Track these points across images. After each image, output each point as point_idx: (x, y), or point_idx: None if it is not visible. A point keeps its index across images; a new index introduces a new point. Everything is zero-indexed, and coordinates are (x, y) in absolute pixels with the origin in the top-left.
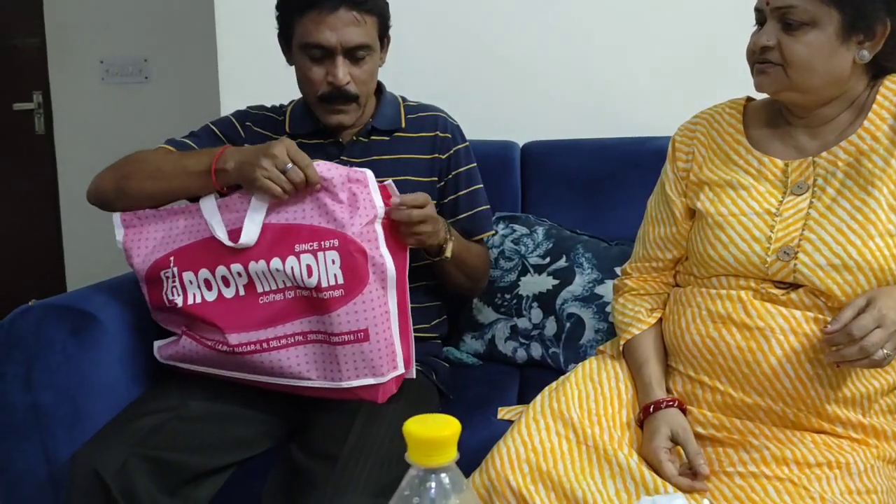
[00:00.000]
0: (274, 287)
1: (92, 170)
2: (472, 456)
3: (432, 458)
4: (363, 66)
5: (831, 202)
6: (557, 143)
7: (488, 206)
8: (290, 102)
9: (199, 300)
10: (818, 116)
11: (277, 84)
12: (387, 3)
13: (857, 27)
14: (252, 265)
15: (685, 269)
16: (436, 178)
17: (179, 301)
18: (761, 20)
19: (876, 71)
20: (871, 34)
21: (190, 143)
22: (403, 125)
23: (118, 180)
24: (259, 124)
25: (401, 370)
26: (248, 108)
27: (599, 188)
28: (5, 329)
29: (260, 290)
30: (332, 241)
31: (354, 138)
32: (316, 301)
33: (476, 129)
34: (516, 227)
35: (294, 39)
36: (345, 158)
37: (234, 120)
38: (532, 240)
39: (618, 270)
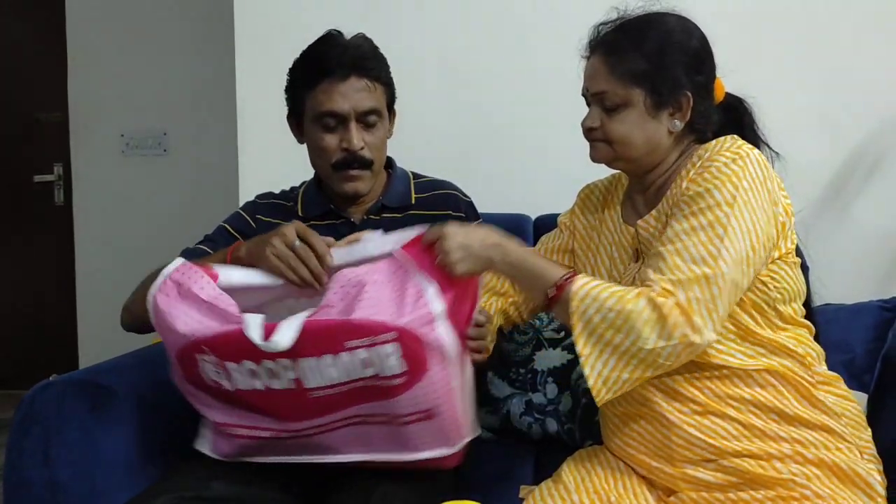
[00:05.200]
0: (326, 382)
1: (109, 241)
2: None
3: None
4: (375, 132)
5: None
6: None
7: None
8: (302, 184)
9: (247, 388)
10: (643, 183)
11: (297, 158)
12: (391, 77)
13: (663, 102)
14: (301, 361)
15: None
16: None
17: (227, 384)
18: (588, 104)
19: (697, 136)
20: (678, 106)
21: (205, 248)
22: (414, 202)
23: (146, 299)
24: (269, 213)
25: (468, 437)
26: (257, 197)
27: None
28: (26, 405)
29: (311, 385)
30: (386, 335)
31: (365, 217)
32: (375, 389)
33: (488, 202)
34: None
35: (306, 113)
36: None
37: (244, 214)
38: (547, 314)
39: None
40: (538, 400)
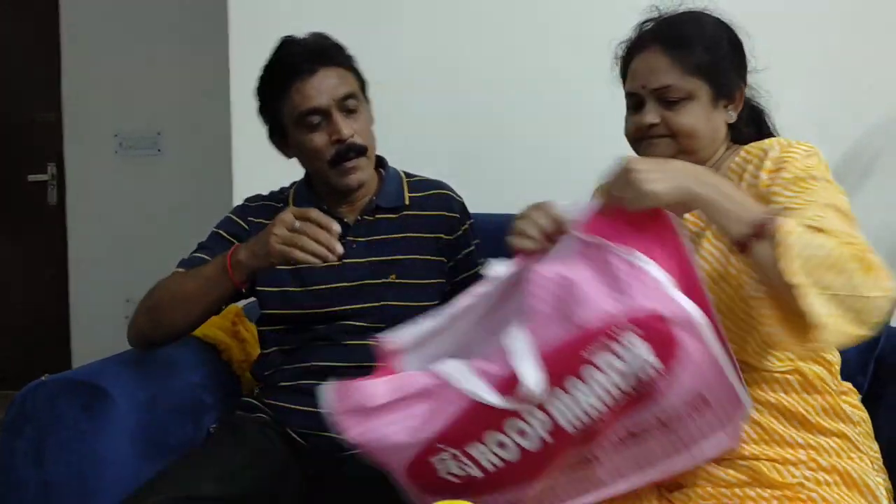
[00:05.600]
0: (583, 411)
1: (102, 241)
2: None
3: None
4: (359, 118)
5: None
6: None
7: None
8: (292, 185)
9: (500, 464)
10: None
11: (290, 160)
12: (357, 66)
13: (722, 94)
14: (548, 404)
15: None
16: (444, 259)
17: (477, 472)
18: (637, 103)
19: (734, 132)
20: (732, 97)
21: (201, 255)
22: (408, 202)
23: (149, 314)
24: (260, 215)
25: (748, 408)
26: (246, 200)
27: None
28: (17, 404)
29: (570, 427)
30: (624, 327)
31: (360, 218)
32: (636, 397)
33: (484, 202)
34: None
35: (287, 121)
36: (350, 238)
37: (235, 217)
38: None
39: None
40: None
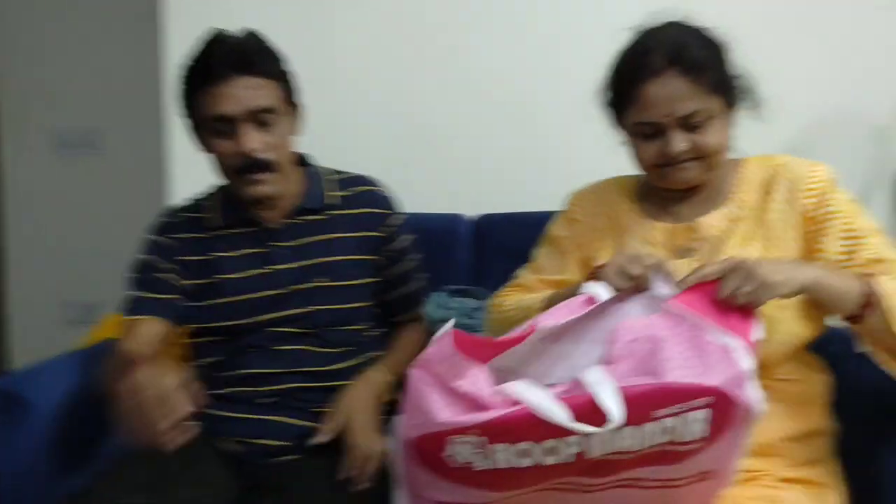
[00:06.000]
0: (613, 450)
1: (41, 244)
2: None
3: None
4: (272, 131)
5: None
6: (510, 215)
7: (425, 276)
8: (209, 193)
9: (507, 466)
10: (696, 186)
11: None
12: (285, 71)
13: (731, 103)
14: (595, 437)
15: None
16: (371, 257)
17: (481, 464)
18: (656, 131)
19: None
20: (736, 103)
21: (147, 295)
22: (333, 202)
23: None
24: (183, 230)
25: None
26: (162, 216)
27: None
28: None
29: (593, 455)
30: (702, 399)
31: (284, 221)
32: (662, 454)
33: (424, 202)
34: (467, 300)
35: (198, 120)
36: (273, 244)
37: (157, 238)
38: (483, 313)
39: None
40: None
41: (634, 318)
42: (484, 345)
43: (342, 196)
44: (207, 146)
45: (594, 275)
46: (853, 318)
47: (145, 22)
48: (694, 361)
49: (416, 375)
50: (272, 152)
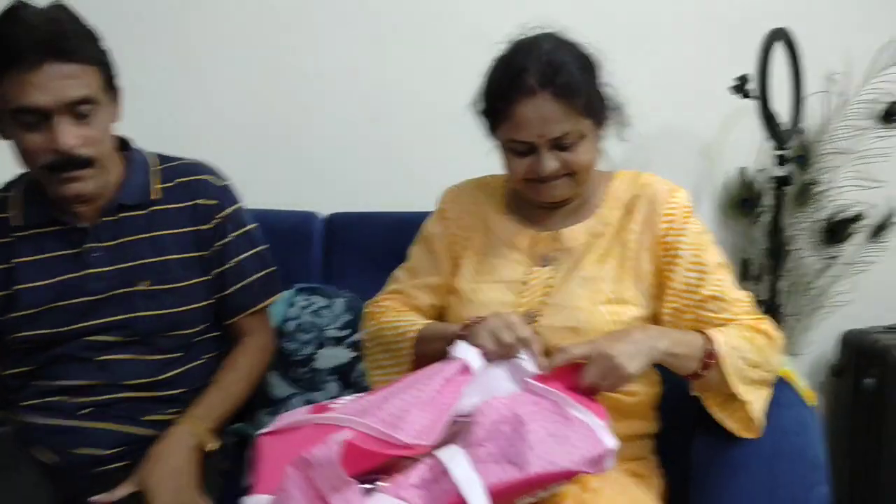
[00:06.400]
0: None
1: None
2: None
3: None
4: (91, 123)
5: (568, 273)
6: (362, 215)
7: (273, 269)
8: (8, 186)
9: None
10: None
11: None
12: (104, 51)
13: (601, 123)
14: None
15: None
16: (202, 253)
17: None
18: (527, 149)
19: None
20: (604, 121)
21: None
22: (158, 195)
23: None
24: None
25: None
26: None
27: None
28: None
29: None
30: (564, 481)
31: (100, 220)
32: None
33: (277, 199)
34: (315, 298)
35: (2, 106)
36: (90, 245)
37: None
38: (331, 311)
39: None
40: (320, 399)
41: (500, 394)
42: (371, 457)
43: (167, 188)
44: (10, 136)
45: (467, 327)
46: (694, 376)
47: None
48: (560, 439)
49: (289, 473)
50: (91, 147)
